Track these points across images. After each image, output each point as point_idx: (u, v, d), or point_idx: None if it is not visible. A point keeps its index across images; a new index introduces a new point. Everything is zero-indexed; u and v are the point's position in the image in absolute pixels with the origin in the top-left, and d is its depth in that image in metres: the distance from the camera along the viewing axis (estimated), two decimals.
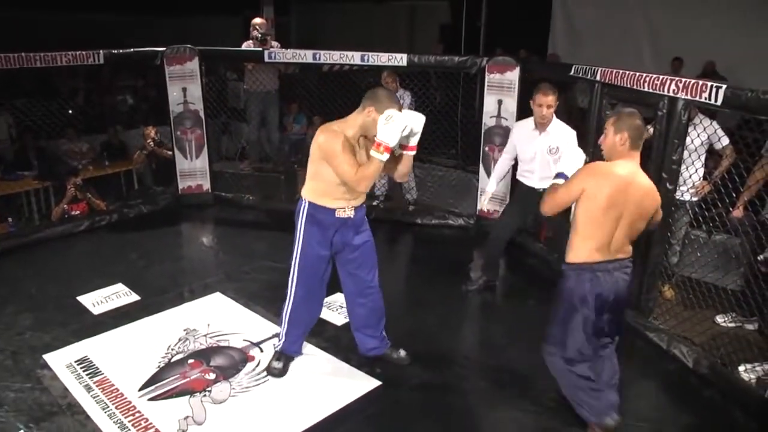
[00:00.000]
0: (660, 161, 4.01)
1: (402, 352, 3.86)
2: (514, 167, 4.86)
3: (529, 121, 4.58)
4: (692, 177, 4.31)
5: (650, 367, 3.97)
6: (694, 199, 4.49)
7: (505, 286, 5.14)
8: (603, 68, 4.53)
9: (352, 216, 3.45)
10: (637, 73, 4.14)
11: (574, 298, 3.02)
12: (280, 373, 3.70)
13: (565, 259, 3.07)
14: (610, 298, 3.00)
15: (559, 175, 3.12)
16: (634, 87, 4.14)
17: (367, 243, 3.58)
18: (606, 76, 4.48)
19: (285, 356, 3.77)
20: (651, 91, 3.99)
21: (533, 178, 4.58)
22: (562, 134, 4.44)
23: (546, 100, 4.35)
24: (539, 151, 4.50)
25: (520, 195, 4.73)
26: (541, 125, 4.47)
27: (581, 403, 3.19)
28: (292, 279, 3.63)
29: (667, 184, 3.97)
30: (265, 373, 3.74)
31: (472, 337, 4.35)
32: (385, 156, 3.16)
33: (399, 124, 3.10)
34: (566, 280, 3.06)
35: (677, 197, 4.25)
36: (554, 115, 4.46)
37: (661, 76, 3.95)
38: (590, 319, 3.01)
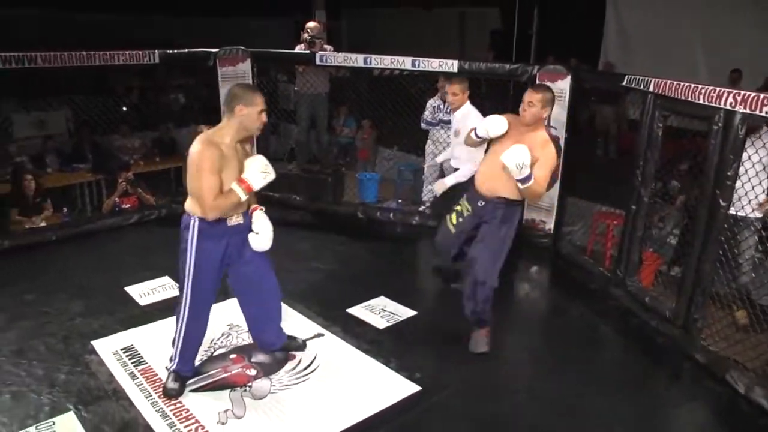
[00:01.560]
0: (714, 177, 3.89)
1: (299, 339, 4.00)
2: None
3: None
4: (756, 192, 4.17)
5: (698, 391, 3.85)
6: (758, 215, 4.37)
7: (548, 298, 5.10)
8: (657, 79, 4.43)
9: (242, 222, 3.41)
10: (693, 85, 4.01)
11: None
12: (178, 393, 3.48)
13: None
14: None
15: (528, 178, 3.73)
16: (689, 99, 4.03)
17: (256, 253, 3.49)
18: (660, 87, 4.37)
19: (181, 376, 3.55)
20: (707, 103, 3.88)
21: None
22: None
23: (452, 89, 4.97)
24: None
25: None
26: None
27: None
28: (186, 297, 3.42)
29: (721, 201, 3.85)
30: (305, 371, 3.77)
31: (514, 347, 4.32)
32: (244, 196, 3.22)
33: (271, 175, 3.30)
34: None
35: (739, 213, 4.15)
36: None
37: (717, 89, 3.82)
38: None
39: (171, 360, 3.55)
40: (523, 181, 3.67)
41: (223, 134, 3.27)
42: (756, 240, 4.43)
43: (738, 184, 3.92)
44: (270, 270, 3.64)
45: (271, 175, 3.30)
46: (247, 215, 3.44)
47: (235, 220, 3.37)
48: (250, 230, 3.43)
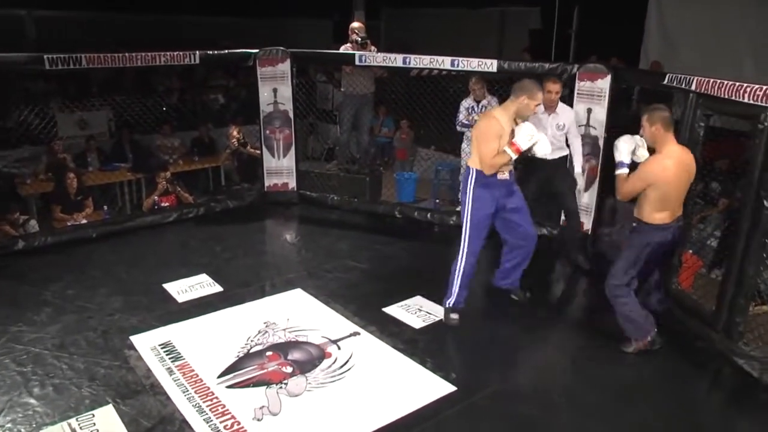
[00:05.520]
0: (759, 178, 3.76)
1: (527, 293, 4.70)
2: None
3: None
4: None
5: (739, 397, 3.76)
6: None
7: (586, 299, 5.03)
8: (699, 77, 4.30)
9: (508, 178, 4.27)
10: (737, 83, 3.87)
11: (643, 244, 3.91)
12: (457, 323, 4.32)
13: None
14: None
15: (619, 165, 3.88)
16: (733, 98, 3.90)
17: (521, 200, 4.41)
18: (702, 86, 4.24)
19: (456, 309, 4.36)
20: (752, 102, 3.76)
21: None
22: (568, 114, 5.23)
23: (555, 87, 5.12)
24: (550, 128, 5.14)
25: (533, 165, 5.15)
26: (549, 108, 5.14)
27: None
28: (464, 236, 4.28)
29: (765, 202, 3.72)
30: (341, 370, 3.77)
31: (551, 348, 4.26)
32: (514, 155, 4.08)
33: (535, 139, 4.09)
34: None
35: None
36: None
37: (763, 87, 3.68)
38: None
39: (447, 297, 4.37)
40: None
41: (504, 113, 4.18)
42: None
43: None
44: (528, 220, 4.45)
45: (536, 138, 4.09)
46: (512, 173, 4.30)
47: (502, 176, 4.21)
48: (513, 184, 4.33)
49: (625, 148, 3.87)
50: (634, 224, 3.96)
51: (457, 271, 4.32)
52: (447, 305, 4.37)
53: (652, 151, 3.84)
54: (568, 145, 5.30)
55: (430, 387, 3.62)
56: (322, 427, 3.26)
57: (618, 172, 3.87)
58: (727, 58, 8.85)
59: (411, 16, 14.73)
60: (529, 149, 4.15)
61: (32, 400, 3.41)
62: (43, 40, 11.57)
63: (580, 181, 5.25)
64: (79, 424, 3.22)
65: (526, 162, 5.07)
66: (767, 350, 3.91)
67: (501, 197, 4.27)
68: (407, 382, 3.68)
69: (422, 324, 4.34)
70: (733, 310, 3.98)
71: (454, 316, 4.34)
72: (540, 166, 5.13)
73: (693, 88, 4.33)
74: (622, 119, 5.15)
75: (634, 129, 4.06)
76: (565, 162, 5.30)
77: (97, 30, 11.72)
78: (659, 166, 3.72)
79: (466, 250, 4.27)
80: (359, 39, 6.60)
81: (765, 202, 3.73)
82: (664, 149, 3.74)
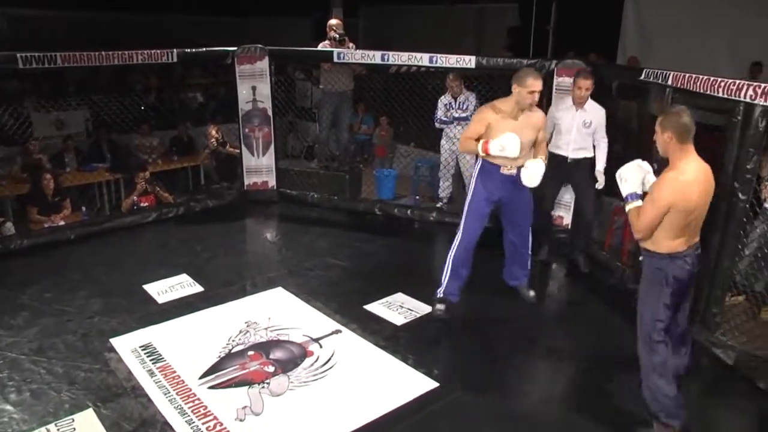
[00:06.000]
0: (733, 171, 3.84)
1: (532, 293, 4.62)
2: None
3: (567, 99, 5.22)
4: None
5: (717, 387, 3.81)
6: None
7: (566, 293, 5.06)
8: (675, 72, 4.37)
9: (514, 174, 4.17)
10: (712, 78, 3.95)
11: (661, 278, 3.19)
12: (444, 316, 4.32)
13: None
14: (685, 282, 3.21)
15: (630, 197, 3.18)
16: (708, 92, 3.96)
17: (524, 201, 4.37)
18: (678, 81, 4.31)
19: (447, 301, 4.36)
20: (726, 96, 3.82)
21: (568, 149, 5.09)
22: (597, 112, 5.07)
23: (585, 84, 4.97)
24: (575, 125, 5.06)
25: (554, 164, 4.92)
26: (579, 103, 5.05)
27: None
28: (462, 222, 4.33)
29: (740, 194, 3.81)
30: (323, 368, 3.76)
31: (532, 343, 4.28)
32: (480, 152, 4.06)
33: (507, 152, 3.98)
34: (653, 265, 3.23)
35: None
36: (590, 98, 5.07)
37: (737, 81, 3.77)
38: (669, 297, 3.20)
39: (438, 286, 4.37)
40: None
41: (505, 102, 4.14)
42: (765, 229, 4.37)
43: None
44: (526, 221, 4.45)
45: (508, 152, 3.97)
46: (519, 169, 4.16)
47: (507, 171, 4.17)
48: (519, 181, 4.18)
49: (634, 177, 3.16)
50: (641, 257, 3.33)
51: (448, 257, 4.35)
52: (437, 295, 4.39)
53: (666, 163, 3.14)
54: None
55: (412, 383, 3.63)
56: (306, 426, 3.26)
57: (630, 206, 3.15)
58: (703, 54, 8.96)
59: (390, 13, 14.73)
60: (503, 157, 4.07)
61: (8, 407, 3.35)
62: (19, 39, 11.41)
63: (600, 179, 5.07)
64: (58, 430, 3.18)
65: (555, 160, 5.02)
66: (743, 340, 3.99)
67: (503, 190, 4.25)
68: (390, 379, 3.69)
69: (404, 321, 4.34)
70: (710, 302, 4.06)
71: (440, 306, 4.35)
72: (561, 166, 5.08)
73: (669, 83, 4.41)
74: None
75: (612, 122, 4.12)
76: (588, 165, 5.14)
77: (75, 29, 11.59)
78: (676, 187, 2.98)
79: (460, 235, 4.31)
80: (337, 36, 6.59)
81: (739, 195, 3.81)
82: (679, 164, 3.01)
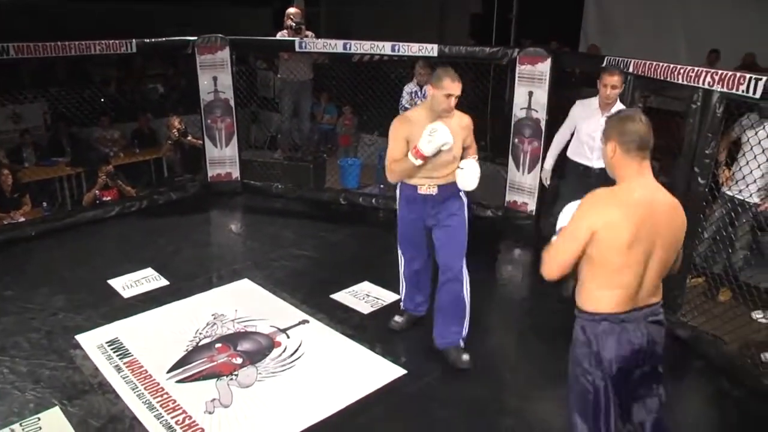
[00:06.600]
0: (692, 155, 3.93)
1: (465, 357, 3.69)
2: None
3: (593, 101, 4.50)
4: (755, 176, 4.12)
5: (677, 366, 3.91)
6: (757, 200, 4.32)
7: (530, 280, 5.13)
8: (636, 60, 4.46)
9: (434, 194, 3.61)
10: (671, 65, 4.06)
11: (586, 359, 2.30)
12: (400, 327, 4.09)
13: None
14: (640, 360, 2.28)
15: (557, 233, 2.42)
16: (668, 79, 4.07)
17: (451, 226, 3.66)
18: (639, 68, 4.41)
19: (403, 311, 4.12)
20: (685, 83, 3.92)
21: (592, 157, 4.44)
22: None
23: (611, 80, 4.26)
24: (601, 129, 4.38)
25: (574, 175, 4.53)
26: (605, 105, 4.36)
27: None
28: (398, 246, 3.94)
29: (699, 179, 3.90)
30: (291, 359, 3.77)
31: (497, 330, 4.34)
32: (418, 161, 3.42)
33: (438, 139, 3.32)
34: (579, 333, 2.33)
35: (741, 198, 4.23)
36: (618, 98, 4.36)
37: (696, 68, 3.86)
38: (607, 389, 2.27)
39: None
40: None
41: (417, 111, 3.62)
42: (753, 224, 4.46)
43: (736, 167, 3.95)
44: (450, 252, 3.68)
45: (436, 141, 3.34)
46: (443, 188, 3.60)
47: (426, 190, 3.61)
48: (444, 200, 3.64)
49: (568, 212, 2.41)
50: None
51: (400, 273, 4.05)
52: (399, 305, 4.19)
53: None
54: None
55: (380, 371, 3.66)
56: (275, 417, 3.27)
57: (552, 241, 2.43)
58: (663, 42, 9.13)
59: (351, 3, 14.66)
60: (438, 152, 3.42)
61: None
62: None
63: None
64: (23, 429, 3.14)
65: (566, 173, 4.62)
66: (702, 320, 4.11)
67: (425, 213, 3.66)
68: (358, 367, 3.71)
69: (370, 309, 4.37)
70: (672, 284, 4.15)
71: (397, 319, 4.11)
72: (583, 177, 4.41)
73: (630, 70, 4.50)
74: (564, 101, 5.17)
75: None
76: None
77: (29, 18, 11.28)
78: (603, 205, 2.21)
79: (401, 263, 3.98)
80: (293, 24, 6.56)
81: (699, 179, 3.90)
82: (623, 183, 2.27)
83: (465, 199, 3.73)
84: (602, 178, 3.91)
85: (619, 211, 2.16)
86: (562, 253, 2.28)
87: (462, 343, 3.74)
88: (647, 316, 2.25)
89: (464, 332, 3.75)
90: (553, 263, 2.31)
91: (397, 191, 3.81)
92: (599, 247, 2.16)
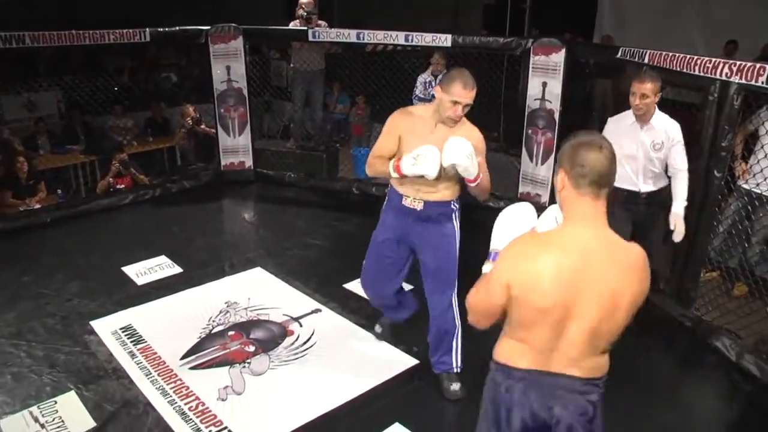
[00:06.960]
0: (708, 148, 3.90)
1: (456, 386, 3.38)
2: None
3: (627, 115, 3.94)
4: None
5: (691, 360, 3.91)
6: None
7: None
8: (652, 50, 4.42)
9: (418, 209, 3.19)
10: (688, 56, 4.01)
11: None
12: (378, 336, 3.87)
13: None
14: None
15: (490, 256, 2.10)
16: (684, 70, 4.02)
17: (441, 249, 3.25)
18: (654, 59, 4.36)
19: (381, 319, 3.87)
20: (702, 74, 3.87)
21: (638, 181, 3.94)
22: (667, 128, 3.83)
23: (642, 88, 3.73)
24: (641, 147, 3.87)
25: (618, 203, 3.84)
26: (641, 118, 3.85)
27: None
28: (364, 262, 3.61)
29: (715, 172, 3.88)
30: (304, 347, 3.79)
31: None
32: (394, 174, 3.02)
33: (422, 168, 2.89)
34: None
35: (759, 191, 4.20)
36: (656, 106, 3.84)
37: (713, 59, 3.82)
38: None
39: None
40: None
41: (428, 107, 3.18)
42: None
43: (753, 160, 3.92)
44: (439, 277, 3.29)
45: (419, 168, 2.89)
46: (431, 205, 3.16)
47: (410, 203, 3.19)
48: (432, 219, 3.19)
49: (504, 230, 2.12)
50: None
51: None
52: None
53: None
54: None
55: (393, 361, 3.67)
56: (287, 405, 3.29)
57: (484, 271, 2.08)
58: (679, 33, 9.03)
59: None
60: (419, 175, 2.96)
61: None
62: None
63: (677, 224, 3.81)
64: (41, 412, 3.18)
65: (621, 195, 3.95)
66: (716, 315, 4.08)
67: (404, 228, 3.28)
68: (370, 357, 3.72)
69: None
70: (685, 277, 4.14)
71: (377, 329, 3.89)
72: (628, 204, 3.95)
73: (646, 60, 4.46)
74: (579, 92, 5.15)
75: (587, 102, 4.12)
76: (662, 198, 3.97)
77: (43, 8, 11.29)
78: (521, 255, 1.85)
79: (363, 266, 3.67)
80: (305, 13, 6.56)
81: (715, 172, 3.87)
82: (566, 226, 1.86)
83: (458, 222, 3.27)
84: (644, 203, 3.96)
85: (544, 265, 1.77)
86: (481, 302, 1.97)
87: (456, 370, 3.41)
88: (563, 388, 1.88)
89: (456, 361, 3.40)
90: (476, 314, 2.00)
91: (387, 191, 3.41)
92: (514, 299, 1.84)
